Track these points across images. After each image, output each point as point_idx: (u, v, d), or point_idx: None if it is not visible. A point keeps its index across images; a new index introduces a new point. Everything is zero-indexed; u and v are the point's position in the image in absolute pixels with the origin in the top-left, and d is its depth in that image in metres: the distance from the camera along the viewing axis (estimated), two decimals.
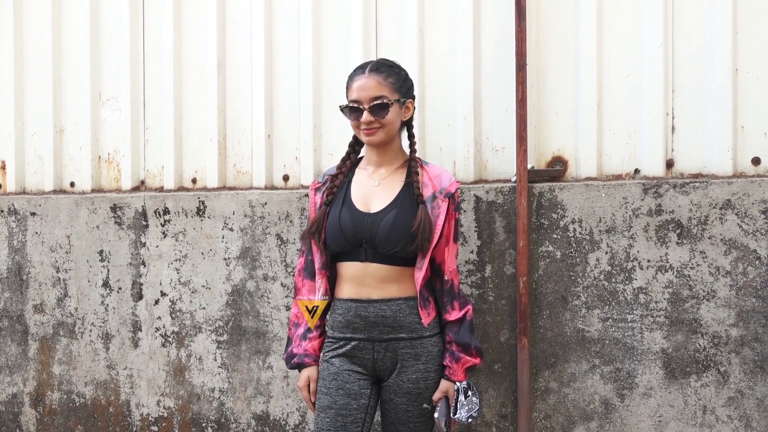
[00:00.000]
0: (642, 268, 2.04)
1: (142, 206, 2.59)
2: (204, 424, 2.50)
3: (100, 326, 2.65)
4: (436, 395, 1.75)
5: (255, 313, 2.43)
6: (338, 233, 1.76)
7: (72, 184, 2.79)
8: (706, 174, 2.05)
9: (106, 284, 2.64)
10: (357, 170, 1.89)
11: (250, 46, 2.53)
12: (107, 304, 2.64)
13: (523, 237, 2.07)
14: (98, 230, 2.65)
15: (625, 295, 2.05)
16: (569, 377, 2.10)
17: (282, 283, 2.39)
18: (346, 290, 1.79)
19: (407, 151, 1.89)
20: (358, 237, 1.75)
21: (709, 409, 1.99)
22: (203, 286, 2.50)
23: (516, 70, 2.14)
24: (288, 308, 2.39)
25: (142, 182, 2.69)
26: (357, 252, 1.76)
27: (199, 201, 2.51)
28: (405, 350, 1.75)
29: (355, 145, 1.92)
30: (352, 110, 1.78)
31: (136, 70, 2.68)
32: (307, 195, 2.36)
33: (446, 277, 1.77)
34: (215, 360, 2.48)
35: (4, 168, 2.91)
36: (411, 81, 1.88)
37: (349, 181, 1.86)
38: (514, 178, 2.15)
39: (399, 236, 1.71)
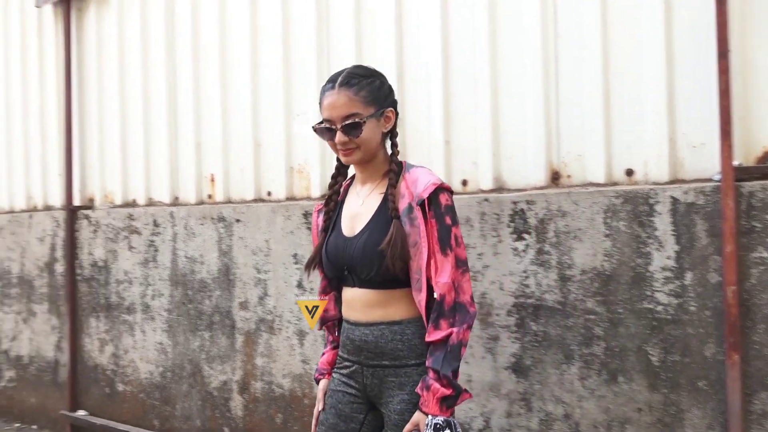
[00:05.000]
0: None
1: None
2: None
3: (296, 323, 2.88)
4: (406, 427, 1.56)
5: None
6: (326, 261, 1.72)
7: (269, 193, 3.07)
8: None
9: (300, 285, 2.87)
10: (350, 189, 1.79)
11: (427, 54, 2.58)
12: None
13: (730, 242, 1.88)
14: (292, 235, 2.89)
15: None
16: None
17: None
18: (343, 311, 1.74)
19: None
20: (341, 263, 1.68)
21: None
22: None
23: (717, 58, 1.95)
24: None
25: None
26: (345, 278, 1.70)
27: None
28: (389, 378, 1.63)
29: (341, 165, 1.79)
30: (325, 130, 1.65)
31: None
32: (486, 199, 2.37)
33: (436, 293, 1.56)
34: None
35: (213, 180, 3.29)
36: (389, 87, 1.73)
37: (343, 203, 1.77)
38: (716, 177, 1.96)
39: (372, 259, 1.58)
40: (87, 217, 3.81)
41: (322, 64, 2.87)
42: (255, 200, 3.11)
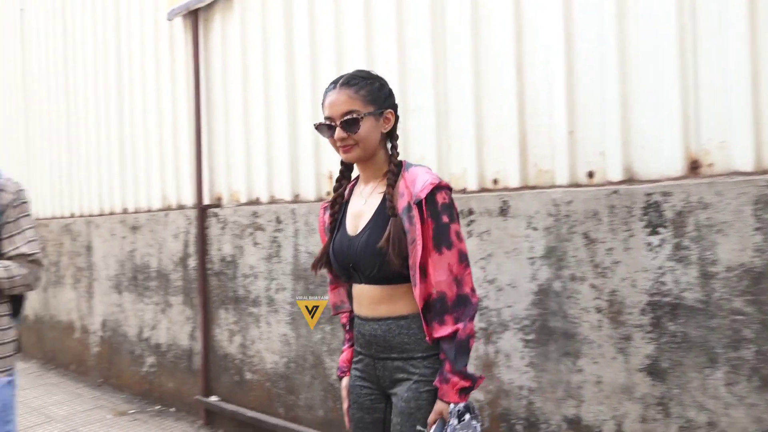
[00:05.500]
0: None
1: None
2: (513, 421, 2.54)
3: None
4: (431, 417, 1.62)
5: (563, 314, 2.38)
6: (333, 259, 1.77)
7: None
8: None
9: None
10: (354, 189, 1.83)
11: (548, 42, 2.48)
12: None
13: None
14: None
15: None
16: None
17: (591, 284, 2.30)
18: (354, 307, 1.80)
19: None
20: (346, 261, 1.73)
21: None
22: (508, 285, 2.54)
23: None
24: (598, 310, 2.29)
25: None
26: (352, 275, 1.74)
27: (502, 201, 2.56)
28: (397, 370, 1.68)
29: (345, 169, 1.85)
30: (327, 127, 1.70)
31: (438, 81, 2.85)
32: (615, 192, 2.25)
33: (433, 290, 1.59)
34: (522, 358, 2.50)
35: (331, 177, 3.37)
36: (389, 90, 1.75)
37: (348, 202, 1.81)
38: None
39: (373, 256, 1.63)
40: (216, 215, 4.05)
41: (438, 58, 2.85)
42: None
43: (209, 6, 4.09)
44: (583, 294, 2.33)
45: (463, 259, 1.62)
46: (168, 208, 4.58)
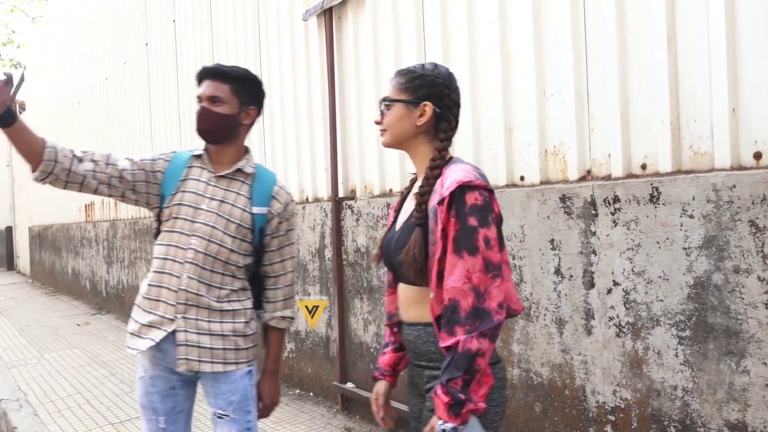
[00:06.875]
0: None
1: (591, 195, 2.60)
2: (666, 423, 2.36)
3: (554, 311, 2.78)
4: (425, 429, 1.48)
5: (724, 309, 2.18)
6: (382, 254, 1.74)
7: (522, 178, 3.01)
8: None
9: (557, 272, 2.76)
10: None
11: (707, 11, 2.27)
12: (559, 291, 2.75)
13: None
14: (548, 220, 2.79)
15: None
16: None
17: (759, 277, 2.08)
18: None
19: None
20: (386, 258, 1.70)
21: None
22: (660, 277, 2.37)
23: None
24: (767, 306, 2.06)
25: (588, 171, 2.71)
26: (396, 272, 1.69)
27: (652, 187, 2.38)
28: (424, 380, 1.60)
29: None
30: None
31: (579, 62, 2.71)
32: None
33: (444, 297, 1.44)
34: (676, 356, 2.32)
35: None
36: (430, 81, 1.63)
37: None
38: None
39: (398, 259, 1.58)
40: (350, 207, 4.16)
41: (578, 39, 2.71)
42: (507, 185, 3.07)
43: (342, 4, 4.20)
44: (748, 288, 2.11)
45: (491, 268, 1.43)
46: (305, 201, 4.79)
